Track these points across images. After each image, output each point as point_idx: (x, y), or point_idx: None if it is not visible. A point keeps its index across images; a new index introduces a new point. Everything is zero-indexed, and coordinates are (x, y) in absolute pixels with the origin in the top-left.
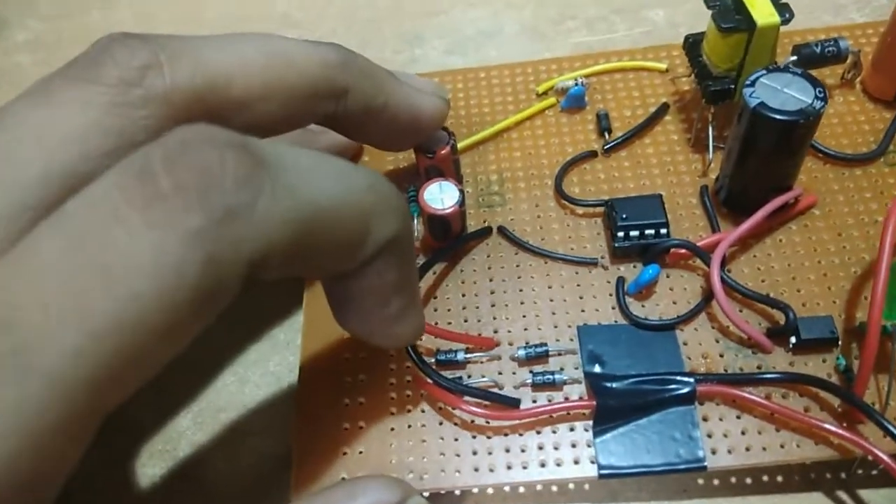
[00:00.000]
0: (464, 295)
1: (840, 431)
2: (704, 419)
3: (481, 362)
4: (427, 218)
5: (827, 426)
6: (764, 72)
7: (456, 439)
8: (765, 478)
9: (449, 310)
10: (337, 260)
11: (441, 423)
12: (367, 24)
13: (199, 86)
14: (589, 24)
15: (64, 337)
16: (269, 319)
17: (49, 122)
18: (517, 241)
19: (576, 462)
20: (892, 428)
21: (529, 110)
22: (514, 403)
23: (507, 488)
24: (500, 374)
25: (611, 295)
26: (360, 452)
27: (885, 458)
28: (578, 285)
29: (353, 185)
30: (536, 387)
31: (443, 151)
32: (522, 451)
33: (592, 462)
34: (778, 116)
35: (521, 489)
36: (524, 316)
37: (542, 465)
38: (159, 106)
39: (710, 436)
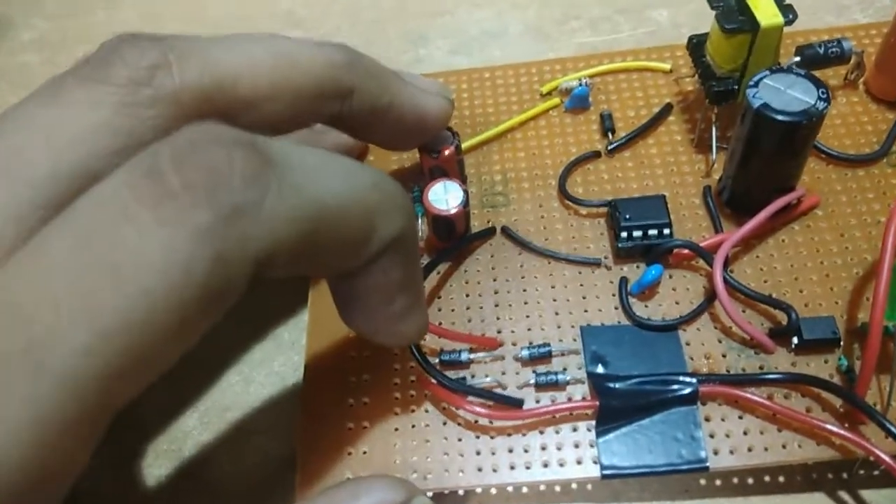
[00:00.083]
0: (468, 295)
1: (841, 432)
2: (707, 419)
3: (485, 362)
4: (431, 218)
5: (829, 427)
6: (767, 72)
7: (459, 439)
8: (767, 478)
9: (453, 310)
10: (342, 258)
11: (445, 423)
12: (372, 24)
13: (207, 85)
14: (593, 25)
15: (75, 335)
16: (275, 319)
17: (59, 122)
18: (521, 241)
19: (578, 462)
20: (893, 429)
21: (533, 110)
22: (518, 404)
23: (510, 488)
24: (503, 374)
25: (614, 295)
26: (364, 452)
27: (886, 458)
28: (582, 285)
29: (359, 183)
30: (540, 387)
31: (447, 151)
32: (525, 451)
33: (595, 462)
34: (781, 117)
35: (525, 489)
36: (528, 316)
37: (545, 466)
38: (168, 105)
39: (712, 436)
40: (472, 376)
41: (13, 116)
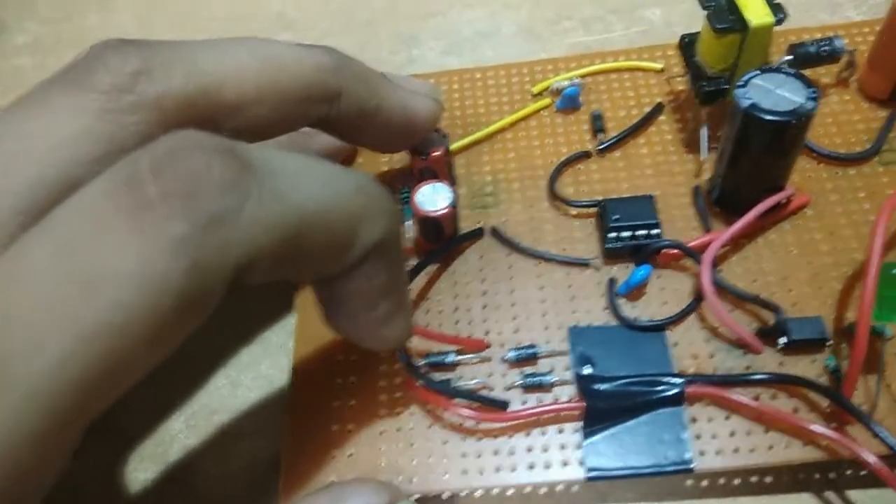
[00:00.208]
0: (456, 296)
1: (828, 433)
2: (693, 420)
3: (472, 364)
4: (419, 219)
5: (815, 428)
6: (757, 72)
7: (445, 442)
8: (753, 479)
9: (441, 311)
10: (325, 263)
11: (430, 426)
12: (364, 25)
13: (192, 91)
14: (585, 24)
15: (50, 345)
16: (262, 322)
17: (41, 129)
18: (510, 242)
19: (564, 464)
20: (878, 430)
21: (524, 111)
22: (503, 406)
23: (495, 491)
24: (490, 375)
25: (602, 296)
26: (350, 455)
27: (871, 460)
28: (570, 286)
29: (342, 188)
30: (526, 388)
31: (436, 153)
32: (511, 453)
33: (581, 464)
34: (769, 117)
35: (510, 492)
36: (516, 317)
37: (531, 468)
38: (150, 111)
39: (698, 437)
40: (460, 378)
41: None
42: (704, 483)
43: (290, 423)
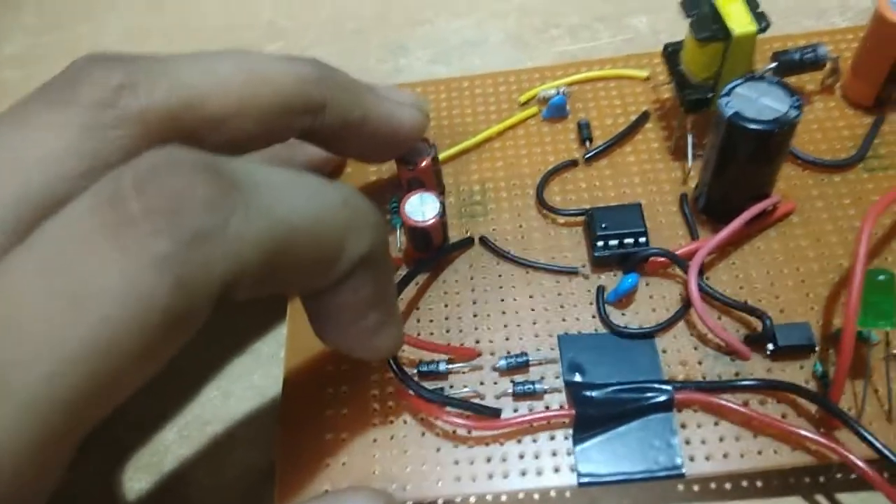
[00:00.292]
0: (446, 305)
1: (816, 438)
2: (683, 426)
3: (463, 373)
4: (408, 229)
5: (803, 432)
6: (741, 81)
7: (438, 449)
8: (744, 483)
9: (431, 320)
10: (311, 277)
11: (423, 434)
12: (353, 35)
13: (175, 105)
14: (572, 32)
15: (38, 362)
16: (253, 333)
17: (25, 145)
18: (499, 251)
19: (556, 470)
20: (865, 433)
21: (511, 120)
22: (495, 413)
23: (489, 497)
24: (481, 384)
25: (591, 304)
26: (343, 463)
27: (859, 464)
28: (559, 294)
29: (327, 202)
30: (517, 396)
31: (423, 163)
32: (503, 460)
33: (573, 470)
34: (753, 126)
35: (503, 498)
36: (506, 325)
37: (523, 474)
38: (134, 125)
39: (688, 443)
40: (451, 386)
41: None
42: (696, 488)
43: (282, 433)
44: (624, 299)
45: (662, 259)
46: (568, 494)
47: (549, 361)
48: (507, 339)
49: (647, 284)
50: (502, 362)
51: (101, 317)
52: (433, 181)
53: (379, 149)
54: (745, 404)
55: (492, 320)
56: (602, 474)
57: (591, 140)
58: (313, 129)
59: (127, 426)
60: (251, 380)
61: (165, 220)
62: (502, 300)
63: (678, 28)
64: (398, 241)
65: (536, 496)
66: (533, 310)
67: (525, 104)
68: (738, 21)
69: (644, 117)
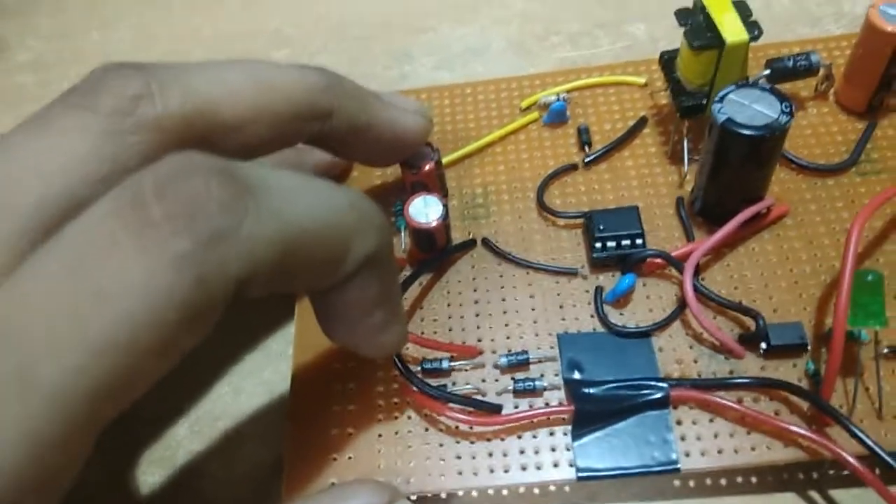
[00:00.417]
0: (449, 305)
1: (808, 434)
2: (678, 423)
3: (465, 370)
4: (412, 231)
5: (796, 429)
6: (733, 88)
7: (441, 444)
8: (739, 479)
9: (435, 319)
10: (319, 276)
11: (427, 430)
12: (358, 42)
13: (189, 112)
14: (573, 40)
15: (64, 356)
16: (263, 331)
17: (47, 150)
18: (500, 252)
19: (555, 465)
20: (856, 430)
21: (513, 125)
22: (497, 409)
23: (490, 491)
24: (483, 381)
25: (590, 304)
26: (350, 458)
27: (850, 460)
28: (559, 294)
29: (335, 204)
30: (518, 393)
31: (427, 167)
32: (504, 455)
33: (571, 465)
34: (745, 132)
35: (504, 492)
36: (507, 325)
37: (524, 469)
38: (151, 132)
39: (683, 438)
40: (454, 383)
41: (3, 146)
42: (692, 483)
43: (290, 428)
44: (622, 299)
45: (659, 260)
46: (567, 488)
47: (549, 359)
48: (508, 337)
49: (644, 285)
50: (503, 360)
51: (124, 312)
52: (437, 184)
53: (384, 153)
54: (740, 402)
55: (493, 319)
56: (600, 469)
57: (590, 145)
58: (321, 134)
59: (141, 422)
60: (261, 376)
61: (184, 222)
62: (503, 300)
63: (676, 35)
64: (402, 242)
65: (536, 490)
66: (533, 309)
67: (526, 110)
68: (731, 30)
69: (642, 123)
